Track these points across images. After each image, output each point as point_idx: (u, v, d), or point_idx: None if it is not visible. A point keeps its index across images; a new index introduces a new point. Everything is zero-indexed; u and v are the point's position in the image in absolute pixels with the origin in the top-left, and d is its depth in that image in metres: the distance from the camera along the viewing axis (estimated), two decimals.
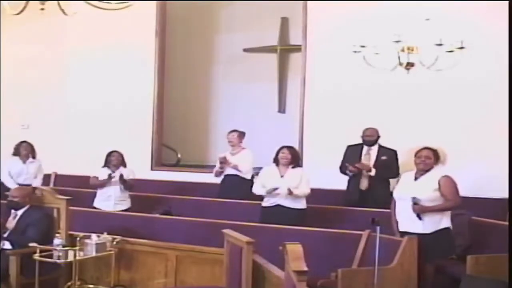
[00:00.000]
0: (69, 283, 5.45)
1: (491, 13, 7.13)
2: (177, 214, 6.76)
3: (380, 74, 6.82)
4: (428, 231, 5.06)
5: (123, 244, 5.60)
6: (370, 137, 6.97)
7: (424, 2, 6.46)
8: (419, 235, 4.97)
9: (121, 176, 6.94)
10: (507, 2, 5.99)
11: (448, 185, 5.13)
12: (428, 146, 5.31)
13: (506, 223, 5.57)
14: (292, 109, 9.71)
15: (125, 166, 7.14)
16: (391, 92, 7.78)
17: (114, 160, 7.08)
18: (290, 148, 6.30)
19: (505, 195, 5.69)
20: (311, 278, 3.60)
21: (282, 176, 6.17)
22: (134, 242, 5.66)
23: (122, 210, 6.94)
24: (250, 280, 4.42)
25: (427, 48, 6.33)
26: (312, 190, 6.24)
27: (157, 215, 6.69)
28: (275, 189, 6.06)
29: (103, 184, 7.00)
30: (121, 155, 7.12)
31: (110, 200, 7.00)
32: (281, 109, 10.83)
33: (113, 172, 7.02)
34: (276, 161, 6.25)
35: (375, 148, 6.96)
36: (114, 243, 5.53)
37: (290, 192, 6.03)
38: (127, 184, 7.04)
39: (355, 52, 6.52)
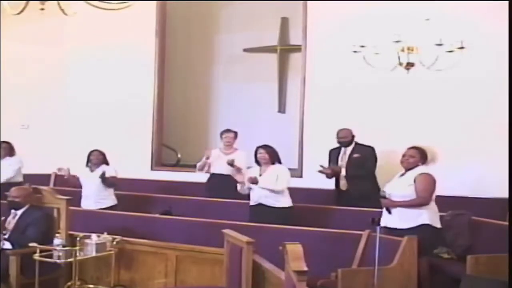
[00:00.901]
0: (69, 283, 5.45)
1: (491, 13, 7.13)
2: (177, 214, 6.76)
3: (380, 74, 6.82)
4: (404, 227, 5.10)
5: (123, 244, 5.60)
6: (344, 139, 7.11)
7: (424, 2, 6.46)
8: (397, 230, 5.05)
9: (102, 175, 6.93)
10: (507, 2, 5.98)
11: (422, 182, 5.18)
12: (416, 145, 5.36)
13: (506, 223, 5.57)
14: (292, 109, 9.71)
15: (107, 164, 7.14)
16: (391, 92, 7.78)
17: (94, 159, 7.11)
18: (265, 147, 6.38)
19: (505, 195, 5.68)
20: (311, 278, 3.59)
21: (260, 175, 6.28)
22: (134, 242, 5.66)
23: (106, 208, 6.92)
24: (250, 280, 4.42)
25: (427, 48, 6.33)
26: (311, 190, 6.26)
27: (157, 215, 6.70)
28: (232, 163, 6.49)
29: (70, 181, 7.11)
30: (102, 154, 7.14)
31: (89, 199, 7.01)
32: (281, 109, 10.82)
33: (92, 171, 7.05)
34: (257, 161, 6.35)
35: (350, 148, 7.08)
36: (114, 243, 5.53)
37: (254, 180, 6.17)
38: (106, 182, 7.01)
39: (355, 52, 6.52)
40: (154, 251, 5.56)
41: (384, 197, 5.24)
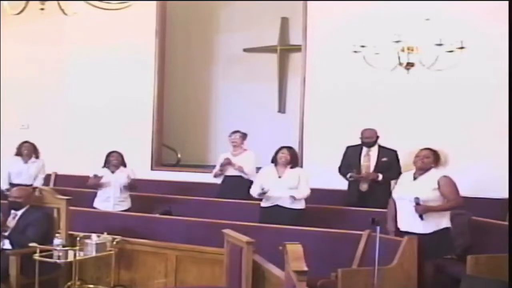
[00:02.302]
0: (69, 283, 5.45)
1: (491, 13, 7.13)
2: (177, 214, 6.75)
3: (380, 74, 6.82)
4: (428, 231, 5.06)
5: (123, 244, 5.60)
6: (369, 139, 6.96)
7: (424, 2, 6.45)
8: (419, 235, 4.97)
9: (129, 184, 6.96)
10: (507, 2, 6.00)
11: (448, 185, 5.13)
12: (429, 147, 5.32)
13: (506, 223, 5.59)
14: (292, 109, 9.70)
15: (125, 166, 7.13)
16: (391, 92, 7.77)
17: (114, 160, 7.07)
18: (289, 148, 6.29)
19: (505, 195, 5.70)
20: (311, 278, 3.59)
21: (280, 177, 6.17)
22: (134, 242, 5.66)
23: (122, 211, 6.94)
24: (250, 280, 4.42)
25: (427, 48, 6.33)
26: (312, 190, 6.23)
27: (157, 215, 6.69)
28: (265, 192, 6.05)
29: (97, 184, 6.99)
30: (121, 155, 7.11)
31: (109, 201, 6.98)
32: (281, 109, 10.83)
33: (113, 172, 7.02)
34: (274, 161, 6.24)
35: (374, 149, 6.95)
36: (114, 243, 5.53)
37: (294, 199, 6.01)
38: (130, 186, 7.04)
39: (355, 52, 6.51)
40: (154, 251, 5.56)
41: (418, 204, 5.06)
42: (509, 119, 5.78)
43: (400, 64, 6.44)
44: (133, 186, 7.10)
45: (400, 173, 6.44)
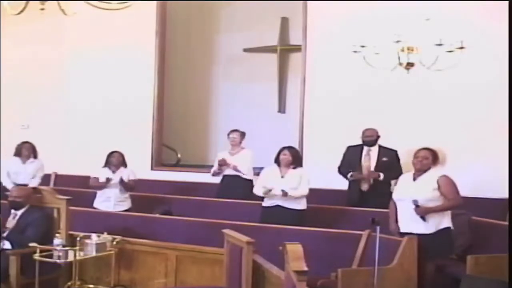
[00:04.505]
0: (69, 283, 5.46)
1: (491, 13, 7.13)
2: (177, 214, 6.75)
3: (380, 74, 6.82)
4: (430, 231, 5.06)
5: (123, 244, 5.60)
6: (370, 138, 6.96)
7: (424, 2, 6.46)
8: (420, 235, 4.97)
9: (121, 179, 6.93)
10: (507, 2, 5.99)
11: (448, 184, 5.13)
12: (427, 146, 5.32)
13: (506, 223, 5.58)
14: (292, 109, 9.70)
15: (125, 166, 7.14)
16: (391, 92, 7.77)
17: (115, 160, 7.07)
18: (291, 148, 6.30)
19: (505, 195, 5.69)
20: (311, 278, 3.59)
21: (282, 177, 6.17)
22: (134, 242, 5.66)
23: (122, 211, 6.93)
24: (250, 280, 4.42)
25: (427, 48, 6.33)
26: (312, 190, 6.23)
27: (157, 215, 6.69)
28: (270, 190, 6.06)
29: (102, 186, 6.99)
30: (122, 156, 7.11)
31: (110, 201, 6.98)
32: (281, 109, 10.83)
33: (114, 172, 7.02)
34: (277, 161, 6.25)
35: (375, 149, 6.95)
36: (114, 243, 5.53)
37: (284, 194, 6.02)
38: (127, 186, 7.04)
39: (355, 52, 6.51)
40: (154, 251, 5.56)
41: (417, 205, 5.08)
42: (509, 119, 5.77)
43: (400, 64, 6.45)
44: (131, 186, 7.09)
45: (401, 173, 6.44)
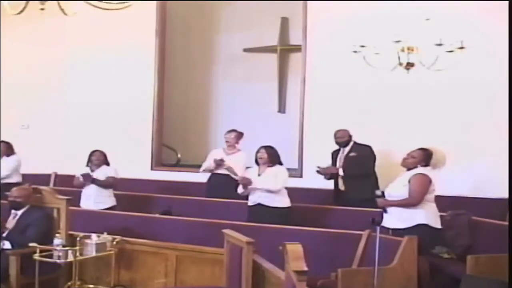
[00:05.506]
0: (69, 283, 5.46)
1: (491, 13, 7.13)
2: (177, 214, 6.76)
3: (380, 74, 6.82)
4: (400, 226, 5.09)
5: (123, 244, 5.60)
6: (341, 139, 7.14)
7: (424, 2, 6.45)
8: (394, 230, 5.06)
9: (92, 179, 6.92)
10: (507, 2, 5.98)
11: (415, 182, 5.14)
12: (424, 147, 5.32)
13: (506, 223, 5.58)
14: (292, 109, 9.71)
15: (108, 164, 7.14)
16: (391, 92, 7.78)
17: (95, 159, 7.10)
18: (267, 147, 6.36)
19: (505, 195, 5.68)
20: (311, 278, 3.59)
21: (259, 175, 6.27)
22: (134, 242, 5.66)
23: (106, 208, 6.91)
24: (250, 280, 4.42)
25: (427, 48, 6.33)
26: (312, 190, 6.25)
27: (157, 215, 6.70)
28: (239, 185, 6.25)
29: (82, 184, 7.01)
30: (103, 154, 7.13)
31: (89, 199, 6.99)
32: (281, 109, 10.84)
33: (93, 171, 7.03)
34: (256, 161, 6.34)
35: (348, 148, 7.10)
36: (114, 243, 5.53)
37: (245, 188, 6.18)
38: (103, 184, 7.01)
39: (355, 52, 6.52)
40: (154, 251, 5.56)
41: (379, 197, 5.24)
42: (509, 119, 5.77)
43: (400, 64, 6.45)
44: (110, 183, 7.05)
45: (371, 168, 6.53)
